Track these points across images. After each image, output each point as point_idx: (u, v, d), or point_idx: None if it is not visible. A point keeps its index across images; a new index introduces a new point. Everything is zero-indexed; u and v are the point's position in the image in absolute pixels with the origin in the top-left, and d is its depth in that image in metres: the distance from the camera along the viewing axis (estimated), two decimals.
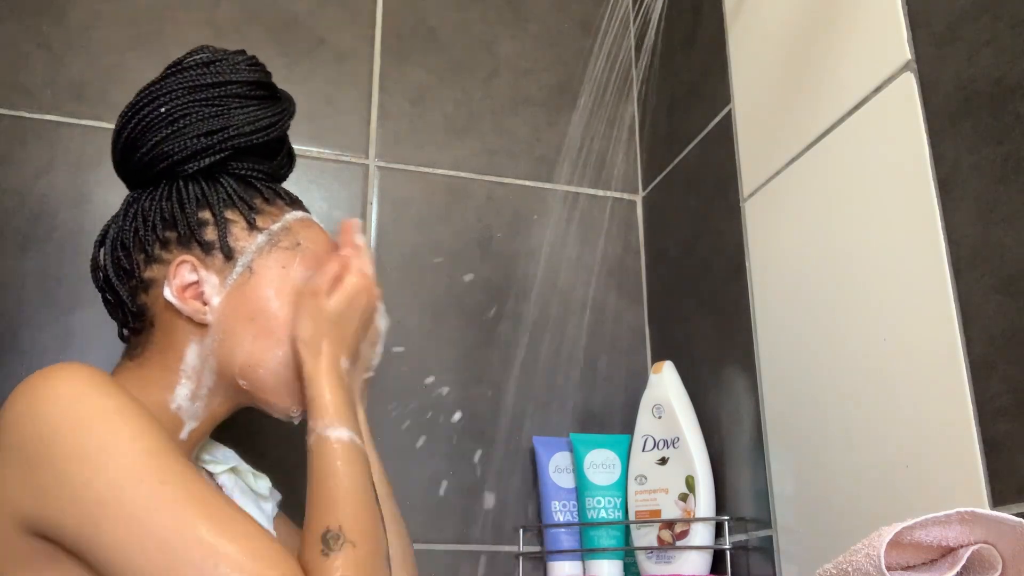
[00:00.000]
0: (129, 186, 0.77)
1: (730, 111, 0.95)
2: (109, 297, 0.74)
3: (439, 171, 1.11)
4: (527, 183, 1.14)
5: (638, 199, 1.18)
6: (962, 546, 0.51)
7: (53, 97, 0.98)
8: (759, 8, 0.91)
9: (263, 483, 0.77)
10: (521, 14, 1.20)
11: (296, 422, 0.73)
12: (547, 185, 1.14)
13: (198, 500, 0.56)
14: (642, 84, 1.20)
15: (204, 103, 0.73)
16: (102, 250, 0.74)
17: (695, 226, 1.02)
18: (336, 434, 0.64)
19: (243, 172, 0.76)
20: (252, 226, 0.73)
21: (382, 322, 0.80)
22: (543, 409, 1.05)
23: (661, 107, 1.14)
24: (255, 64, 0.77)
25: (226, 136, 0.73)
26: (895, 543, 0.50)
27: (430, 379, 1.03)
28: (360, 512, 0.62)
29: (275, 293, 0.71)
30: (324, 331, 0.69)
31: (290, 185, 1.09)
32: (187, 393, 0.70)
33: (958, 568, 0.50)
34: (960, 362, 0.62)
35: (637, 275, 1.15)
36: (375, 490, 0.65)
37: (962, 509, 0.50)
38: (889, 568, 0.50)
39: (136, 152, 0.73)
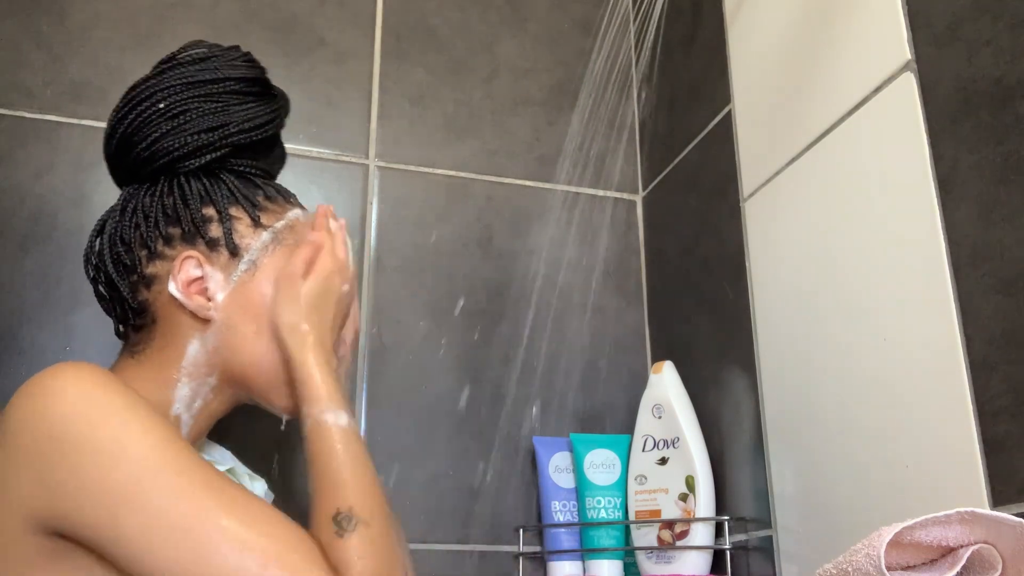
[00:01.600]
0: (121, 182, 0.76)
1: (730, 111, 0.95)
2: (105, 292, 0.73)
3: (439, 171, 1.11)
4: (527, 183, 1.14)
5: (638, 199, 1.18)
6: (962, 546, 0.51)
7: (53, 97, 0.98)
8: (759, 8, 0.91)
9: (259, 485, 0.77)
10: (521, 14, 1.20)
11: (285, 420, 0.74)
12: (547, 185, 1.14)
13: (215, 488, 0.57)
14: (642, 84, 1.20)
15: (203, 99, 0.73)
16: (99, 241, 0.73)
17: (695, 226, 1.02)
18: (333, 418, 0.64)
19: (243, 169, 0.75)
20: (256, 223, 0.73)
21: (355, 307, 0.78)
22: (543, 409, 1.05)
23: (661, 107, 1.14)
24: (251, 60, 0.77)
25: (226, 133, 0.73)
26: (895, 543, 0.50)
27: (429, 377, 1.03)
28: (367, 492, 0.62)
29: None
30: (304, 314, 0.69)
31: (290, 185, 1.08)
32: (187, 394, 0.69)
33: (958, 568, 0.50)
34: (960, 362, 0.62)
35: (637, 275, 1.15)
36: (375, 471, 0.65)
37: (962, 509, 0.50)
38: (889, 568, 0.50)
39: (133, 148, 0.72)
